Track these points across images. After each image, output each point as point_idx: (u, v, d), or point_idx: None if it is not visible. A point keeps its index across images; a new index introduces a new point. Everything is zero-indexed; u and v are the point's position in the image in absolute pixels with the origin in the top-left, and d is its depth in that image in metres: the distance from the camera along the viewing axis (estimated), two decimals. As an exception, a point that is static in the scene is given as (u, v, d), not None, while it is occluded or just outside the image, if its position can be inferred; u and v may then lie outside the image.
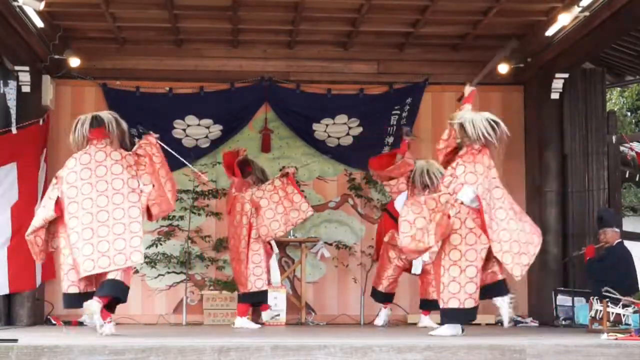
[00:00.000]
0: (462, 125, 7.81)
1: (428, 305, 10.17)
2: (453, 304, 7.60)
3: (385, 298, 10.58)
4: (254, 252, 10.14)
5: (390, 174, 10.26)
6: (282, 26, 11.39)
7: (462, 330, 7.73)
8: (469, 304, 7.60)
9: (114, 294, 7.61)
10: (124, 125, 8.00)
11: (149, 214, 7.99)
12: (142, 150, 7.97)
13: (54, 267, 11.00)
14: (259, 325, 10.16)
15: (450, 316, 7.69)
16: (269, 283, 10.38)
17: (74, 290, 7.71)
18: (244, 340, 6.09)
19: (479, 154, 7.77)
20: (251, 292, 10.13)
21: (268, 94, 12.02)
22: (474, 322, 10.81)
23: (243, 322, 10.10)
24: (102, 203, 7.61)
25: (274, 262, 10.54)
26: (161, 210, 8.06)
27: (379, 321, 10.56)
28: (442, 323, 7.83)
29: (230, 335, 7.45)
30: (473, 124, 7.74)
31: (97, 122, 7.90)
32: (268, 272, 10.35)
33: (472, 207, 7.61)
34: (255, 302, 10.30)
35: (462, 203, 7.60)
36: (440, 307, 7.70)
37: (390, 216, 10.43)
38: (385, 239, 10.46)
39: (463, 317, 7.71)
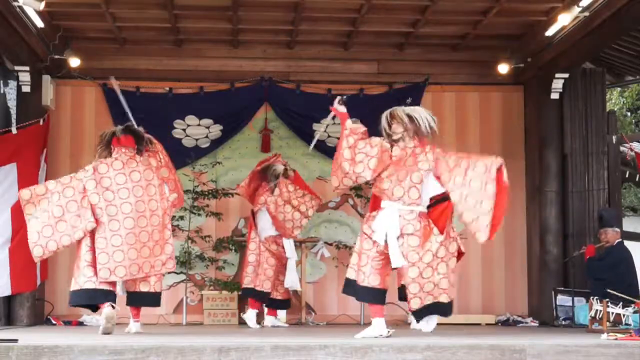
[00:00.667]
0: (410, 118, 7.41)
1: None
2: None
3: None
4: (250, 252, 10.44)
5: None
6: (282, 26, 11.40)
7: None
8: None
9: (156, 305, 8.50)
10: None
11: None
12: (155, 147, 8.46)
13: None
14: (258, 326, 10.22)
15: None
16: (255, 285, 10.44)
17: (105, 287, 7.91)
18: (244, 340, 6.09)
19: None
20: (242, 287, 10.52)
21: (268, 94, 12.03)
22: (474, 322, 10.90)
23: (248, 315, 10.34)
24: (141, 209, 8.05)
25: (291, 265, 10.54)
26: (179, 196, 8.61)
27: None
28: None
29: (231, 335, 7.46)
30: (421, 116, 7.39)
31: (128, 131, 8.28)
32: (274, 274, 10.42)
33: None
34: (245, 297, 10.60)
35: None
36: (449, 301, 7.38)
37: None
38: None
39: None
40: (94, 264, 7.87)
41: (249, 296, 10.50)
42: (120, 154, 8.17)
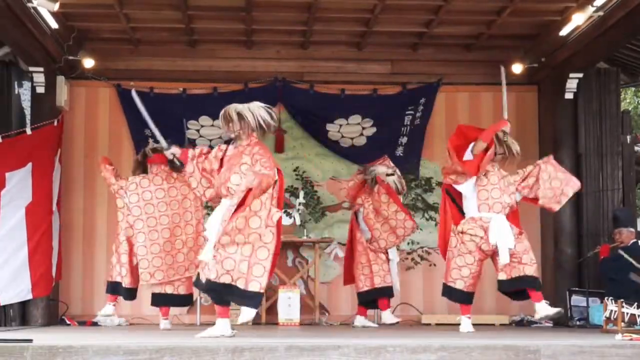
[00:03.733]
0: (240, 115, 7.37)
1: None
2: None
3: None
4: (360, 253, 10.39)
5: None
6: (296, 27, 11.40)
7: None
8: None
9: (184, 305, 10.02)
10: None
11: None
12: None
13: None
14: (376, 325, 10.34)
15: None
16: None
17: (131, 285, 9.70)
18: (258, 340, 6.10)
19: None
20: (360, 292, 10.38)
21: (282, 94, 12.03)
22: (488, 323, 10.86)
23: (360, 320, 10.37)
24: (176, 220, 9.39)
25: (393, 269, 10.46)
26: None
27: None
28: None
29: (244, 336, 7.46)
30: (252, 112, 7.35)
31: (156, 150, 9.23)
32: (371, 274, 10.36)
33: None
34: (363, 302, 10.43)
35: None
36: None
37: (453, 201, 9.11)
38: (459, 228, 8.77)
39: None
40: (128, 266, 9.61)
41: (381, 296, 10.36)
42: (159, 170, 9.42)
